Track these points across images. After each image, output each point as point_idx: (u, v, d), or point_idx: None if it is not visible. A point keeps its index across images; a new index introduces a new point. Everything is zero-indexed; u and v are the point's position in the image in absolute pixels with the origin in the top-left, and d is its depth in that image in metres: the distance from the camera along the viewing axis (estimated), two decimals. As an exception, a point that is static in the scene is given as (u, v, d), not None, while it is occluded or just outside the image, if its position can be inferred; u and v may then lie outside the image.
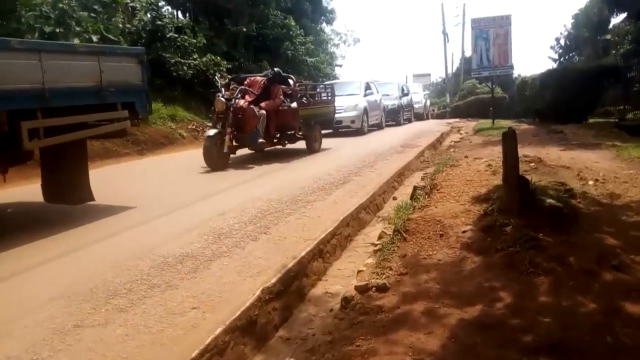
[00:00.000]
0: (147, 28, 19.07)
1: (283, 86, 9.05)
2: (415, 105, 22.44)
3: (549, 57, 39.74)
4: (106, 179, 7.91)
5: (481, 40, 14.15)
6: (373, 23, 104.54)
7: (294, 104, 8.79)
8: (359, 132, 13.67)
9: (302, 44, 26.41)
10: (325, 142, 12.08)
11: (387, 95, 18.22)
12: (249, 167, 8.22)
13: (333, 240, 4.63)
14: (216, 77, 8.50)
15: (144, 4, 19.74)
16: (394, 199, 6.81)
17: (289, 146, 10.08)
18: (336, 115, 13.31)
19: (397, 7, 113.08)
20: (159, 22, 19.20)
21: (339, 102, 13.67)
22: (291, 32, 25.22)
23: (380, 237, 4.68)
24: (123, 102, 5.18)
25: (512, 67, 14.11)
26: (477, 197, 4.89)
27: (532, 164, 6.36)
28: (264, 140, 8.29)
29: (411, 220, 4.52)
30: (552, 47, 39.25)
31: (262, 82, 8.83)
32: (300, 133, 9.63)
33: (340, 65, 41.67)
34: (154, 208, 5.38)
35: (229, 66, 21.29)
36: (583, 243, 3.75)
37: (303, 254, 3.95)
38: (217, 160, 7.78)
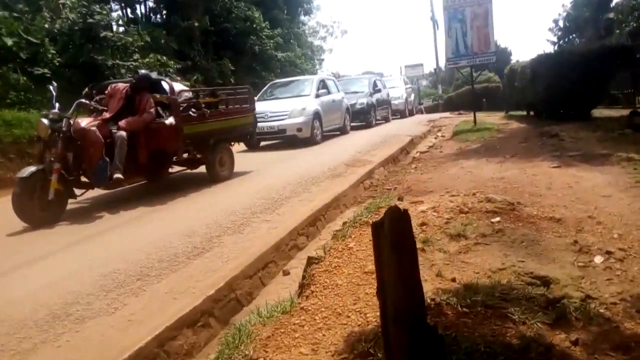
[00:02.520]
0: (76, 27, 16.54)
1: (159, 95, 6.47)
2: (395, 102, 19.76)
3: (548, 40, 36.98)
4: None
5: (456, 22, 11.47)
6: (361, 13, 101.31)
7: (171, 119, 6.18)
8: (309, 141, 11.07)
9: (269, 38, 23.79)
10: (256, 159, 9.55)
11: (355, 92, 15.59)
12: (97, 216, 5.66)
13: None
14: (50, 87, 5.90)
15: (74, 0, 17.21)
16: (285, 273, 4.26)
17: (191, 172, 7.57)
18: (279, 123, 10.82)
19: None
20: (91, 20, 16.63)
21: (282, 106, 11.15)
22: (255, 25, 22.57)
23: None
24: None
25: (494, 53, 11.43)
26: (358, 337, 2.30)
27: (498, 219, 3.75)
28: (120, 175, 5.71)
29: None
30: (550, 30, 36.51)
31: (123, 91, 6.26)
32: (200, 156, 7.08)
33: (322, 60, 39.20)
34: None
35: (178, 66, 18.77)
36: None
37: None
38: (38, 212, 5.25)
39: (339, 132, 13.46)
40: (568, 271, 2.98)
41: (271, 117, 10.90)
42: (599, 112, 11.87)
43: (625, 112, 12.13)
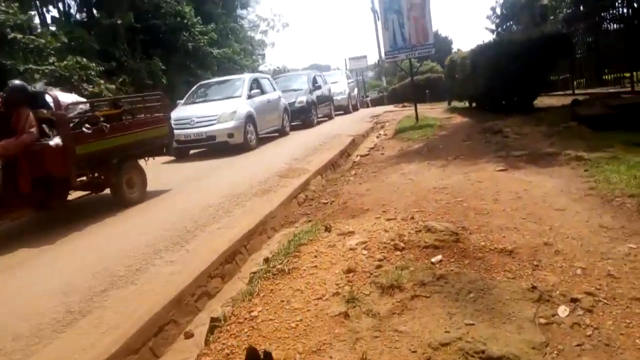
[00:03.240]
0: (-22, 28, 14.81)
1: (44, 110, 5.42)
2: (338, 97, 19.06)
3: (486, 28, 37.47)
4: None
5: (392, 13, 10.84)
6: (304, 5, 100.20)
7: (57, 139, 5.16)
8: (242, 147, 10.17)
9: (203, 34, 22.52)
10: (180, 172, 8.65)
11: (294, 90, 14.77)
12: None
13: None
14: None
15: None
16: (188, 335, 3.43)
17: (98, 195, 6.55)
18: (207, 129, 9.87)
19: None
20: (-5, 20, 14.92)
21: (210, 109, 10.21)
22: (186, 21, 21.25)
23: None
24: None
25: (433, 45, 10.90)
26: None
27: (439, 258, 3.06)
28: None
29: None
30: (488, 17, 37.00)
31: (-7, 108, 5.19)
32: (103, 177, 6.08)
33: (264, 55, 38.12)
34: None
35: (101, 68, 17.28)
36: None
37: None
38: None
39: (277, 134, 12.63)
40: (529, 337, 2.31)
41: (198, 122, 9.93)
42: (540, 101, 11.62)
43: (566, 100, 11.95)
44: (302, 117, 14.33)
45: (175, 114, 10.57)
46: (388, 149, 9.19)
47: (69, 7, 21.23)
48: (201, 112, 10.15)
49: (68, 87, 16.66)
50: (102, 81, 16.77)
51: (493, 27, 36.53)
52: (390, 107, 22.74)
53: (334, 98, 18.42)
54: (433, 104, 23.46)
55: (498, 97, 10.90)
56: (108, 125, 5.81)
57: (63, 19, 20.15)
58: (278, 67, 46.00)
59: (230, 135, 9.91)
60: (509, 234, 3.54)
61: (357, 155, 9.07)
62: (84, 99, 6.30)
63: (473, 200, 4.64)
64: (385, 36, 11.03)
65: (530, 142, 7.23)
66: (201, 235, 4.86)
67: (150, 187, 7.14)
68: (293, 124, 13.93)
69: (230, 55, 25.94)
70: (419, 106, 22.31)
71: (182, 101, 11.43)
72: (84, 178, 5.80)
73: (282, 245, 3.89)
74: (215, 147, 10.13)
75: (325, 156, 8.92)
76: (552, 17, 26.67)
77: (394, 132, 11.20)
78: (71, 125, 5.40)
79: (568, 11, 23.01)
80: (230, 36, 27.78)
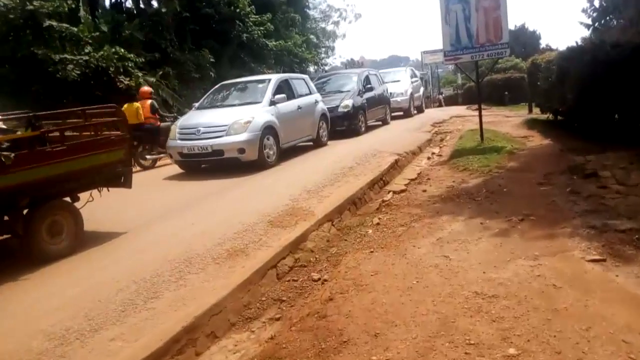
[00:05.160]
0: (12, 15, 14.07)
1: None
2: (397, 99, 16.73)
3: (581, 23, 32.90)
4: None
5: (456, 2, 8.45)
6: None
7: None
8: (256, 165, 8.30)
9: (258, 24, 20.92)
10: (169, 196, 6.96)
11: (340, 92, 12.73)
12: None
13: None
14: None
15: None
16: None
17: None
18: (213, 142, 8.14)
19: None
20: (30, 6, 14.12)
21: (221, 118, 8.47)
22: (239, 10, 19.72)
23: None
24: None
25: (507, 45, 8.36)
26: None
27: None
28: None
29: None
30: (584, 10, 32.36)
31: None
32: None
33: (331, 47, 36.24)
34: None
35: (141, 59, 16.11)
36: None
37: None
38: None
39: (311, 144, 10.67)
40: None
41: (205, 133, 8.17)
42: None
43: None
44: (346, 123, 12.23)
45: (181, 122, 8.94)
46: (435, 182, 6.94)
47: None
48: (210, 121, 8.39)
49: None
50: (140, 73, 15.60)
51: (589, 21, 31.94)
52: (462, 110, 20.11)
53: (393, 99, 16.17)
54: (513, 107, 20.51)
55: (592, 116, 8.22)
56: (12, 155, 4.12)
57: (109, 6, 19.35)
58: (352, 59, 43.82)
59: (241, 151, 8.05)
60: None
61: (390, 192, 6.86)
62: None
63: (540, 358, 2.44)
64: (447, 32, 8.65)
65: (645, 203, 4.75)
66: (75, 355, 3.01)
67: (112, 219, 5.54)
68: (338, 129, 11.90)
69: (290, 48, 24.25)
70: (494, 110, 19.32)
71: (197, 105, 9.75)
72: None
73: None
74: (223, 164, 8.33)
75: (349, 187, 6.82)
76: (664, 11, 22.48)
77: (450, 154, 8.84)
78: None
79: (690, 4, 19.04)
80: (291, 27, 26.05)
